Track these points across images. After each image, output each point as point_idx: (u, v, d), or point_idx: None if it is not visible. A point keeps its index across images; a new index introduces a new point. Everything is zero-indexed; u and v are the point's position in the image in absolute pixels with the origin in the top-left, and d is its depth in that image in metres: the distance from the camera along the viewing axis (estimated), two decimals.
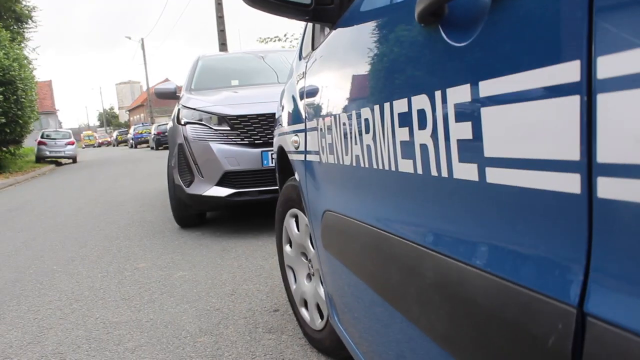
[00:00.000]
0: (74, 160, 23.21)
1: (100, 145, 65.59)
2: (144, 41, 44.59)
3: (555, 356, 0.57)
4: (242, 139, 4.54)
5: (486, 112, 0.69)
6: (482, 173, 0.71)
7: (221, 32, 18.41)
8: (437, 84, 0.81)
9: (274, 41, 19.78)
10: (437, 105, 0.81)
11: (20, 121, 16.87)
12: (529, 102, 0.60)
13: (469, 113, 0.72)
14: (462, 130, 0.74)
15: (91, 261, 4.22)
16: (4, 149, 17.53)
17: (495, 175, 0.68)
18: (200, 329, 2.60)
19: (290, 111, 2.21)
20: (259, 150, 4.48)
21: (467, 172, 0.74)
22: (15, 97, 16.05)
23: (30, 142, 22.94)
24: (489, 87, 0.68)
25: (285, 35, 18.38)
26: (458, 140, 0.76)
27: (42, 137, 22.38)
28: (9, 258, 4.63)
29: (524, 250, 0.66)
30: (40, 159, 21.81)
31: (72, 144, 22.80)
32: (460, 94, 0.74)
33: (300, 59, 2.11)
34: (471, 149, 0.73)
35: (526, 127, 0.62)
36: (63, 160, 22.90)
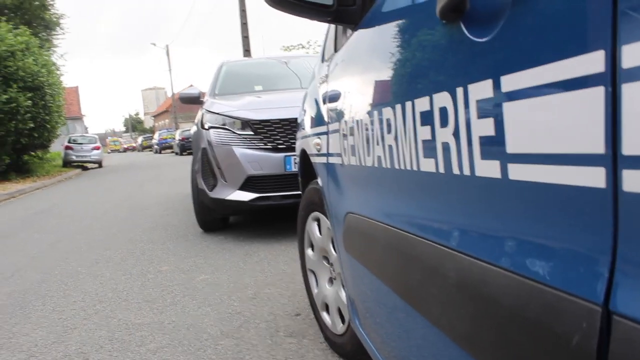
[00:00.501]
0: (100, 164, 23.52)
1: (125, 150, 66.50)
2: (168, 47, 45.12)
3: (579, 356, 0.55)
4: (265, 144, 4.55)
5: (508, 108, 0.67)
6: (504, 170, 0.69)
7: (245, 38, 18.55)
8: (459, 80, 0.79)
9: (297, 49, 19.86)
10: (459, 102, 0.79)
11: (48, 126, 17.16)
12: (551, 95, 0.59)
13: (491, 109, 0.71)
14: (484, 127, 0.73)
15: (115, 263, 4.26)
16: (32, 153, 17.84)
17: (518, 172, 0.67)
18: (222, 331, 2.60)
19: (313, 114, 2.20)
20: (282, 155, 4.49)
21: (489, 169, 0.73)
22: (43, 102, 16.34)
23: (57, 147, 23.31)
24: (510, 82, 0.66)
25: (308, 42, 18.46)
26: (480, 137, 0.74)
27: (69, 141, 22.75)
28: (36, 259, 4.70)
29: (547, 247, 0.64)
30: (67, 164, 22.15)
31: (98, 148, 23.13)
32: (482, 90, 0.73)
33: (322, 61, 2.11)
34: (493, 146, 0.71)
35: (549, 122, 0.60)
36: (89, 165, 23.22)
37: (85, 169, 22.12)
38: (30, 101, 15.23)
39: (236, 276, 3.55)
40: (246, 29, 18.75)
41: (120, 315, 2.98)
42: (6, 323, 3.04)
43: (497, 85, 0.69)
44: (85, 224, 6.57)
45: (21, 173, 16.31)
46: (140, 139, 61.30)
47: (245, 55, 17.78)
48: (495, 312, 0.72)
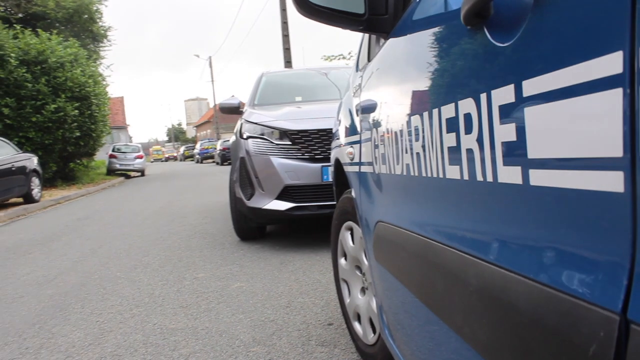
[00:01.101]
0: (142, 173, 23.98)
1: (167, 159, 67.84)
2: (211, 59, 45.86)
3: None
4: (302, 154, 4.57)
5: (529, 112, 0.66)
6: (525, 176, 0.68)
7: (286, 50, 18.72)
8: (482, 86, 0.79)
9: (338, 59, 19.92)
10: (482, 108, 0.79)
11: (94, 135, 17.65)
12: (569, 99, 0.58)
13: (513, 114, 0.70)
14: (506, 133, 0.72)
15: (153, 269, 4.34)
16: (78, 161, 18.33)
17: (538, 178, 0.66)
18: (254, 338, 2.62)
19: (346, 123, 2.21)
20: (319, 165, 4.50)
21: (511, 175, 0.72)
22: (89, 112, 16.82)
23: (102, 155, 23.90)
24: (530, 87, 0.66)
25: (349, 53, 18.46)
26: (502, 143, 0.74)
27: (113, 150, 23.33)
28: (77, 264, 4.82)
29: (565, 254, 0.63)
30: (111, 172, 22.68)
31: (141, 157, 23.61)
32: (504, 95, 0.72)
33: (357, 70, 2.12)
34: (515, 152, 0.71)
35: (566, 125, 0.59)
36: (132, 173, 23.71)
37: (128, 177, 22.60)
38: (77, 110, 15.71)
39: (271, 285, 3.57)
40: (288, 41, 18.93)
41: (155, 319, 3.03)
42: (46, 324, 3.13)
43: (518, 90, 0.68)
44: (126, 230, 6.71)
45: (67, 180, 16.78)
46: (182, 149, 62.25)
47: (286, 67, 17.93)
48: (517, 322, 0.71)
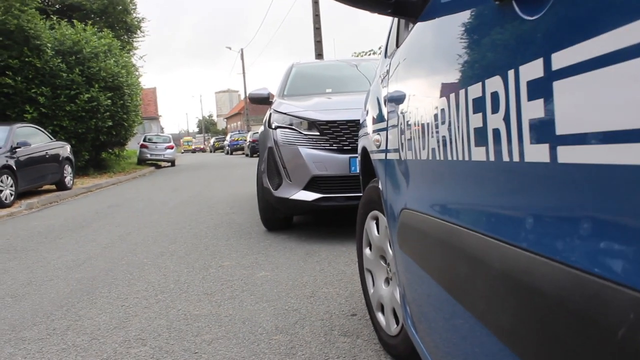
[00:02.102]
0: (173, 163, 24.19)
1: (194, 151, 67.45)
2: (243, 51, 46.04)
3: (626, 350, 0.51)
4: (330, 145, 4.55)
5: (558, 86, 0.63)
6: (553, 153, 0.65)
7: (318, 43, 18.70)
8: (510, 63, 0.76)
9: (369, 54, 19.82)
10: (510, 85, 0.76)
11: (125, 124, 17.90)
12: (601, 69, 0.55)
13: (541, 89, 0.67)
14: (534, 109, 0.69)
15: (179, 257, 4.37)
16: (110, 150, 18.61)
17: (566, 154, 0.62)
18: (277, 327, 2.61)
19: (374, 111, 2.18)
20: (347, 156, 4.47)
21: (538, 153, 0.69)
22: (121, 101, 17.06)
23: (133, 145, 24.21)
24: (560, 59, 0.62)
25: (379, 48, 18.37)
26: (530, 121, 0.71)
27: (144, 140, 23.59)
28: (106, 250, 4.89)
29: (592, 233, 0.59)
30: (142, 161, 22.94)
31: (172, 148, 23.83)
32: (532, 70, 0.69)
33: (385, 57, 2.08)
34: (542, 129, 0.67)
35: (597, 97, 0.56)
36: (162, 163, 23.93)
37: (158, 167, 22.84)
38: (109, 100, 15.95)
39: (296, 274, 3.56)
40: (319, 34, 18.90)
41: (179, 306, 3.05)
42: (74, 307, 3.17)
43: (547, 64, 0.65)
44: (154, 218, 6.79)
45: (99, 169, 17.06)
46: (212, 140, 62.46)
47: (317, 60, 17.92)
48: (542, 306, 0.67)
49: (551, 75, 0.64)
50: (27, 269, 4.29)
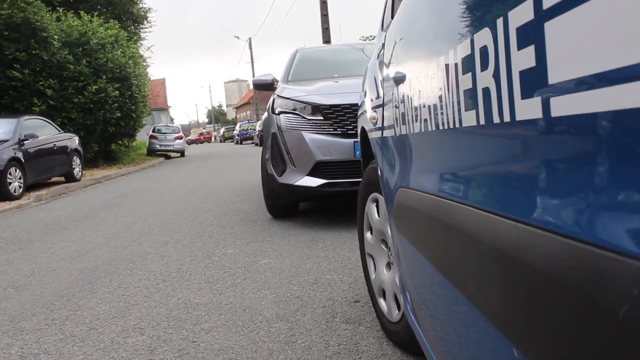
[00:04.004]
0: (182, 154, 24.17)
1: (201, 142, 60.71)
2: (251, 40, 45.87)
3: (629, 329, 0.42)
4: (334, 129, 4.46)
5: (550, 27, 0.54)
6: (546, 106, 0.56)
7: (325, 30, 18.55)
8: (499, 10, 0.67)
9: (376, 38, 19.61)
10: (499, 36, 0.67)
11: (134, 115, 17.87)
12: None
13: (532, 35, 0.58)
14: (524, 59, 0.60)
15: (183, 245, 4.32)
16: (119, 141, 18.62)
17: (561, 106, 0.54)
18: (277, 314, 2.55)
19: (370, 89, 2.10)
20: (351, 140, 4.38)
21: (530, 109, 0.60)
22: (129, 92, 17.02)
23: (142, 136, 24.21)
24: None
25: None
26: (520, 73, 0.62)
27: (153, 131, 23.59)
28: (110, 239, 4.85)
29: (590, 197, 0.51)
30: (151, 152, 22.95)
31: (181, 138, 23.82)
32: (521, 14, 0.60)
33: (382, 30, 1.99)
34: (534, 80, 0.59)
35: (592, 33, 0.47)
36: (172, 154, 23.93)
37: (168, 157, 22.84)
38: (117, 92, 15.91)
39: (299, 261, 3.50)
40: (326, 21, 18.75)
41: (180, 294, 2.99)
42: (74, 296, 3.13)
43: (538, 3, 0.56)
44: (160, 208, 6.74)
45: (108, 160, 17.08)
46: (222, 130, 61.97)
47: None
48: (532, 281, 0.59)
49: (543, 16, 0.55)
50: (31, 260, 4.25)
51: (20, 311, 2.95)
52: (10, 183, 8.84)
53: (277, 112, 4.78)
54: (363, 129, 2.35)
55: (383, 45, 1.80)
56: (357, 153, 4.34)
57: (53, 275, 3.68)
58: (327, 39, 18.68)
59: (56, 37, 14.45)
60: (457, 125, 0.88)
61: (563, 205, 0.56)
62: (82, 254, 4.31)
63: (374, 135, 1.98)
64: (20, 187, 9.16)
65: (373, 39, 19.04)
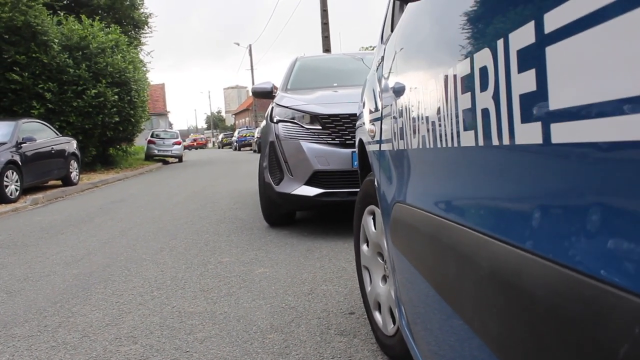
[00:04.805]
0: (180, 159, 24.14)
1: (195, 148, 58.91)
2: (251, 47, 45.96)
3: None
4: (333, 139, 4.46)
5: (551, 52, 0.53)
6: (546, 132, 0.55)
7: (325, 38, 18.59)
8: (499, 31, 0.66)
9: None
10: (499, 57, 0.66)
11: (132, 120, 17.83)
12: (598, 25, 0.45)
13: (533, 58, 0.57)
14: (525, 82, 0.60)
15: (178, 252, 4.30)
16: (117, 146, 18.58)
17: (562, 132, 0.53)
18: (272, 325, 2.53)
19: (369, 101, 2.09)
20: (349, 150, 4.37)
21: (530, 133, 0.59)
22: (128, 97, 17.00)
23: (141, 141, 24.16)
24: (554, 19, 0.52)
25: None
26: (520, 96, 0.61)
27: (151, 136, 23.58)
28: (105, 245, 4.83)
29: (592, 228, 0.49)
30: (149, 157, 22.92)
31: (179, 144, 23.81)
32: (522, 36, 0.59)
33: (381, 43, 1.99)
34: (534, 104, 0.58)
35: (595, 60, 0.46)
36: (170, 159, 23.89)
37: (166, 163, 22.80)
38: (116, 96, 15.89)
39: (295, 271, 3.48)
40: (327, 29, 18.78)
41: (175, 302, 2.97)
42: (68, 303, 3.11)
43: (539, 27, 0.56)
44: (157, 214, 6.72)
45: (106, 165, 17.04)
46: (220, 136, 61.72)
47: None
48: (532, 311, 0.58)
49: (544, 40, 0.55)
50: (25, 264, 4.23)
51: (13, 317, 2.93)
52: (6, 186, 8.82)
53: (275, 120, 4.77)
54: (361, 140, 2.34)
55: (382, 58, 1.79)
56: (355, 163, 4.33)
57: (47, 281, 3.66)
58: (327, 48, 18.71)
59: (56, 40, 14.45)
60: (456, 145, 0.87)
61: (562, 235, 0.55)
62: (77, 259, 4.29)
63: (371, 148, 1.97)
64: (16, 190, 9.13)
65: (373, 49, 19.08)
